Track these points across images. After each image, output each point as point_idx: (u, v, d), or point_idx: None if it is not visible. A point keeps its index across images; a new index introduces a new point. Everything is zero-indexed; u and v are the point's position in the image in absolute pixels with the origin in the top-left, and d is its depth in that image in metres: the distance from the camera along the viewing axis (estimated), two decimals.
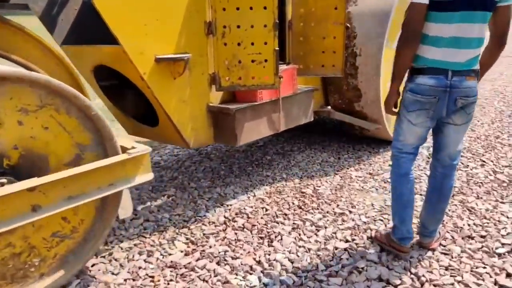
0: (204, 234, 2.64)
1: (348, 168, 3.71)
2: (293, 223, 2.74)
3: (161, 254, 2.42)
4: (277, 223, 2.76)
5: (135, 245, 2.53)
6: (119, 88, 3.04)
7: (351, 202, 3.02)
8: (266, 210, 2.95)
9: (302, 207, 2.98)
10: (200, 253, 2.42)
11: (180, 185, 3.42)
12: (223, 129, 2.88)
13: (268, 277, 2.18)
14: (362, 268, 2.22)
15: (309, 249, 2.43)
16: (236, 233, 2.64)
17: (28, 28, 2.30)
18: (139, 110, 3.11)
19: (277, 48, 2.59)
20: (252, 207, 2.99)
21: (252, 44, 2.60)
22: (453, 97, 1.97)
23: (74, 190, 1.83)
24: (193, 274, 2.23)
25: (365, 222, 2.72)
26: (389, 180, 3.19)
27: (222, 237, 2.59)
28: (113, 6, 2.23)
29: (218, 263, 2.33)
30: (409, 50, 1.97)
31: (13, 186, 1.68)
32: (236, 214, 2.90)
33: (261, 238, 2.58)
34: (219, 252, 2.43)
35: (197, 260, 2.36)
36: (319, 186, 3.33)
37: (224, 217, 2.86)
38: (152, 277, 2.21)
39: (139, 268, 2.30)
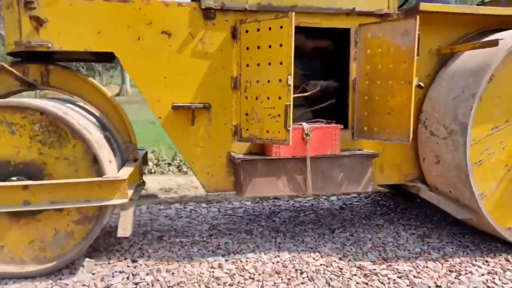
0: (396, 255, 2.93)
1: None
2: (492, 269, 2.66)
3: (353, 258, 2.89)
4: (473, 265, 2.74)
5: (336, 248, 3.09)
6: None
7: None
8: (466, 253, 2.94)
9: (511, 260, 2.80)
10: (387, 266, 2.75)
11: (390, 219, 3.76)
12: (235, 178, 2.98)
13: None
14: None
15: None
16: (426, 262, 2.80)
17: (91, 79, 2.92)
18: None
19: (288, 103, 2.56)
20: (452, 249, 3.03)
21: (268, 98, 2.67)
22: None
23: (57, 196, 2.42)
24: (374, 277, 2.60)
25: None
26: None
27: (412, 261, 2.82)
28: (134, 60, 2.76)
29: (399, 277, 2.60)
30: None
31: (12, 182, 2.41)
32: (433, 249, 3.02)
33: (450, 271, 2.66)
34: (404, 270, 2.69)
35: (381, 270, 2.70)
36: None
37: (421, 249, 3.04)
38: (341, 269, 2.72)
39: (334, 261, 2.84)
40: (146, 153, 3.67)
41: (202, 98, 2.87)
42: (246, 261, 2.84)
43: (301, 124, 2.95)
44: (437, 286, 2.47)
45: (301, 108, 3.36)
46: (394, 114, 2.76)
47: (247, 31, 2.77)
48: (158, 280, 2.54)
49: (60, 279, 2.56)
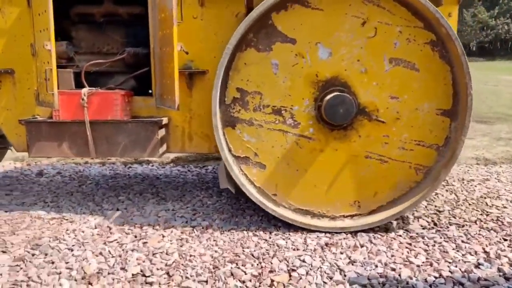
0: (449, 222, 2.87)
1: None
2: None
3: (402, 222, 2.90)
4: None
5: None
6: None
7: None
8: None
9: None
10: (436, 231, 2.73)
11: (451, 189, 3.63)
12: None
13: None
14: None
15: None
16: (480, 230, 2.72)
17: None
18: None
19: (49, 68, 2.62)
20: None
21: (44, 63, 2.73)
22: None
23: None
24: (420, 239, 2.61)
25: None
26: None
27: (464, 229, 2.75)
28: None
29: (446, 241, 2.57)
30: None
31: None
32: (492, 219, 2.89)
33: (504, 239, 2.57)
34: (453, 235, 2.64)
35: (429, 233, 2.69)
36: None
37: (477, 218, 2.93)
38: (387, 229, 2.75)
39: None
40: None
41: (5, 64, 3.10)
42: None
43: (81, 89, 3.02)
44: (485, 252, 2.40)
45: (123, 75, 3.34)
46: (170, 81, 2.73)
47: None
48: (211, 225, 2.83)
49: (131, 219, 2.97)
